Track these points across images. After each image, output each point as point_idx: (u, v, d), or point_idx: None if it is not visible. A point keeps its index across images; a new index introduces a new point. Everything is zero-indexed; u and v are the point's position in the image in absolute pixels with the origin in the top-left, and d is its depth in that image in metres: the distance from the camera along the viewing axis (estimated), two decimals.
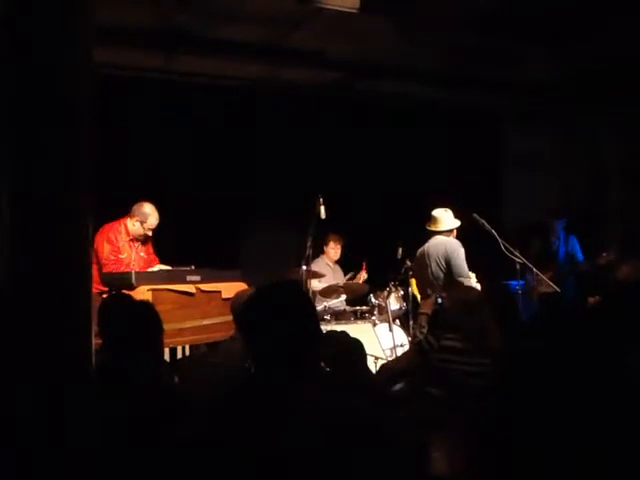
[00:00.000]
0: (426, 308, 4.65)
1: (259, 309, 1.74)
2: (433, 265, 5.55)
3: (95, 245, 4.83)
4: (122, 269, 4.91)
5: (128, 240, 5.10)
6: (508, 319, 3.66)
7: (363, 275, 6.97)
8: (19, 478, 1.94)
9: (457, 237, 5.74)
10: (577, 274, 6.77)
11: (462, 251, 5.46)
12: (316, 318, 1.81)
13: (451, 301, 3.86)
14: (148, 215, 5.11)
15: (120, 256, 5.01)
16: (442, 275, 5.50)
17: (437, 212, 5.74)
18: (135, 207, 5.12)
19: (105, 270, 4.87)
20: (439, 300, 4.69)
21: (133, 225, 5.11)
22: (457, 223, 5.73)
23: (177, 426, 1.71)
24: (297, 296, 1.81)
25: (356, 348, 3.00)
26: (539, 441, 1.56)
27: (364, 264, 6.95)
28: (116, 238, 5.01)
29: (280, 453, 1.51)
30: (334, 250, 7.06)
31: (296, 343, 1.68)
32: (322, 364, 2.47)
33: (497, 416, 1.67)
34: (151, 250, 5.33)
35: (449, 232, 5.68)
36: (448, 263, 5.44)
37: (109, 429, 2.14)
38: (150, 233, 5.17)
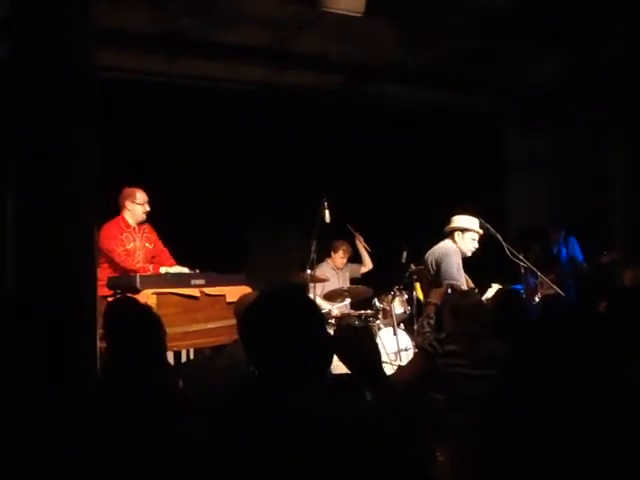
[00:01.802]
0: (435, 298, 4.59)
1: (262, 312, 1.73)
2: (430, 270, 5.51)
3: (103, 246, 4.85)
4: (135, 263, 4.94)
5: (129, 231, 5.14)
6: (517, 324, 3.63)
7: (360, 241, 7.04)
8: (20, 478, 1.93)
9: None
10: (578, 275, 6.76)
11: (455, 257, 5.28)
12: (322, 323, 1.78)
13: (443, 305, 3.86)
14: (133, 192, 5.15)
15: (127, 247, 5.05)
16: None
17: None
18: (120, 199, 5.16)
19: (119, 260, 4.91)
20: (449, 291, 4.65)
21: (129, 210, 5.13)
22: (459, 224, 5.45)
23: (180, 429, 1.70)
24: (301, 300, 1.79)
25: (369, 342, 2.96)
26: (540, 444, 1.55)
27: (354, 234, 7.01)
28: (119, 232, 5.06)
29: (282, 458, 1.50)
30: (342, 259, 7.07)
31: (300, 347, 1.66)
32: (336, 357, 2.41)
33: (499, 418, 1.66)
34: (160, 243, 5.34)
35: (451, 235, 5.51)
36: (438, 266, 5.36)
37: (114, 430, 2.13)
38: (147, 207, 5.16)
